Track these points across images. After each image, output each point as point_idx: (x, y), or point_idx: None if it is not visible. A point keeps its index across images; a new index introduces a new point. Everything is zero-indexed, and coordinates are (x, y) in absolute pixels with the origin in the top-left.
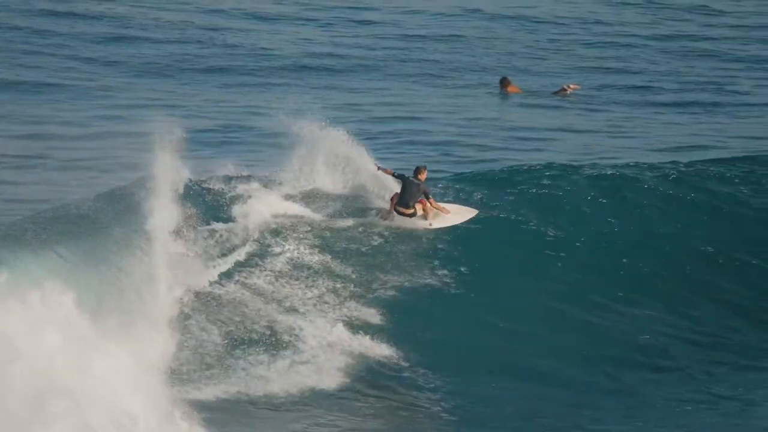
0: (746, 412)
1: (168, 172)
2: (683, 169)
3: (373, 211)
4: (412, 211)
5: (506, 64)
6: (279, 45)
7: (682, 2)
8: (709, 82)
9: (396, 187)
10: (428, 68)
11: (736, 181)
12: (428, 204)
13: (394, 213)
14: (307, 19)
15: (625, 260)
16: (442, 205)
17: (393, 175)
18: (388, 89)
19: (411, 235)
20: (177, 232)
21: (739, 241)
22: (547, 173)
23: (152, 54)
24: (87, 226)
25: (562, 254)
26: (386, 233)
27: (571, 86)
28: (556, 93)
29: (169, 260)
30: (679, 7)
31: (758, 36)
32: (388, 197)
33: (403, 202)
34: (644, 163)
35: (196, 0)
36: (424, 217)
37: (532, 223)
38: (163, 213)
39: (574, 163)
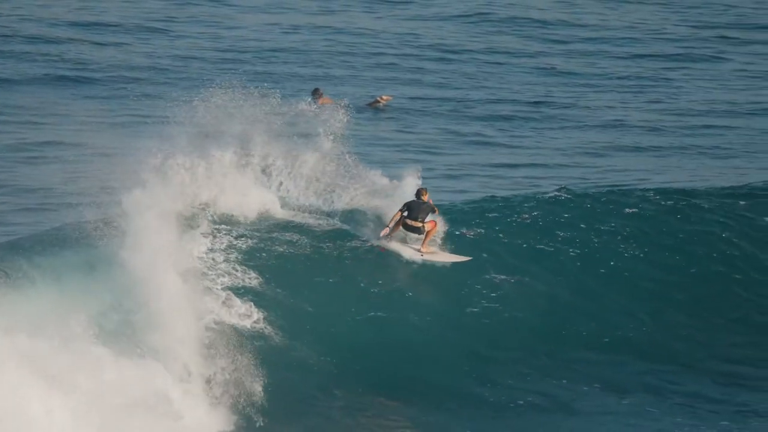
0: (561, 411)
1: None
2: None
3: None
4: (420, 225)
5: (322, 76)
6: (99, 56)
7: (501, 15)
8: (526, 97)
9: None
10: (247, 81)
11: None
12: (433, 229)
13: (400, 228)
14: (126, 32)
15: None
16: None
17: (401, 213)
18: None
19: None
20: None
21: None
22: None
23: None
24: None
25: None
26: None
27: (384, 98)
28: (369, 105)
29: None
30: (499, 21)
31: (576, 49)
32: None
33: (412, 216)
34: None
35: (17, 11)
36: (419, 250)
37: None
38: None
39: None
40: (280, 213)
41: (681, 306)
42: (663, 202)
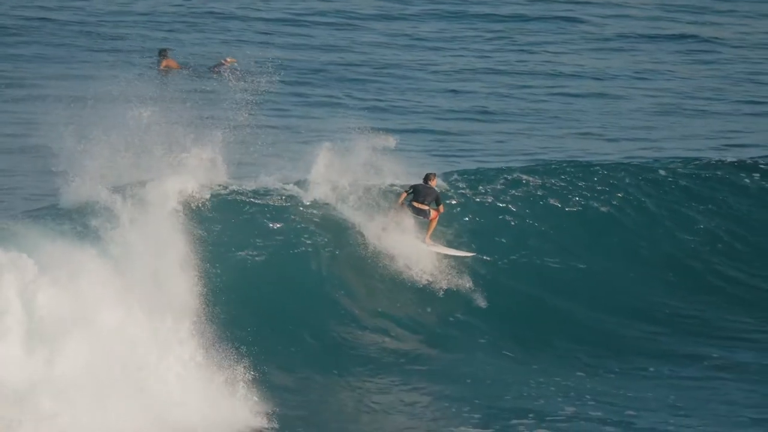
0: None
1: None
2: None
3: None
4: (426, 207)
5: (172, 40)
6: None
7: None
8: (376, 60)
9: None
10: (95, 45)
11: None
12: (436, 219)
13: (406, 209)
14: None
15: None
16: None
17: (407, 193)
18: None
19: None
20: None
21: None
22: None
23: None
24: None
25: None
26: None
27: (228, 60)
28: (213, 68)
29: None
30: None
31: (427, 12)
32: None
33: (418, 199)
34: None
35: None
36: (423, 241)
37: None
38: None
39: None
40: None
41: (545, 254)
42: (513, 171)
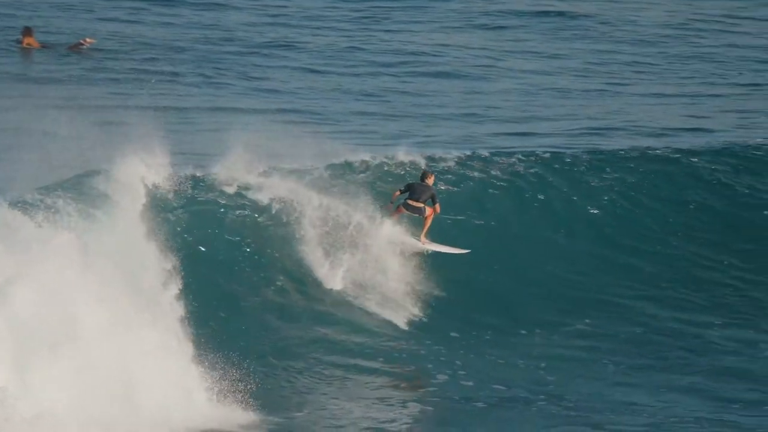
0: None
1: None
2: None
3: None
4: (422, 205)
5: (36, 18)
6: None
7: None
8: (247, 38)
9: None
10: None
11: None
12: (431, 216)
13: (402, 209)
14: None
15: None
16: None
17: (401, 191)
18: None
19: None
20: None
21: None
22: None
23: None
24: None
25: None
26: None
27: (88, 40)
28: (71, 47)
29: None
30: None
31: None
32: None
33: (413, 197)
34: None
35: None
36: (418, 239)
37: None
38: None
39: None
40: None
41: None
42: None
